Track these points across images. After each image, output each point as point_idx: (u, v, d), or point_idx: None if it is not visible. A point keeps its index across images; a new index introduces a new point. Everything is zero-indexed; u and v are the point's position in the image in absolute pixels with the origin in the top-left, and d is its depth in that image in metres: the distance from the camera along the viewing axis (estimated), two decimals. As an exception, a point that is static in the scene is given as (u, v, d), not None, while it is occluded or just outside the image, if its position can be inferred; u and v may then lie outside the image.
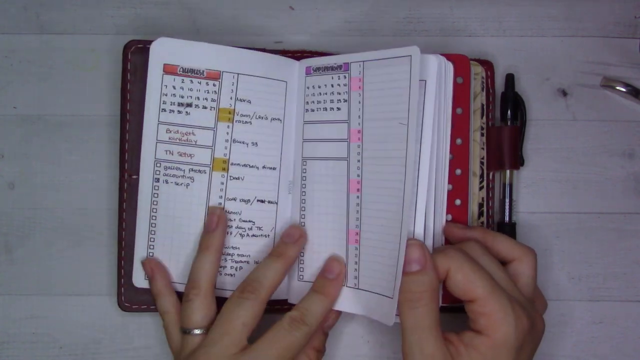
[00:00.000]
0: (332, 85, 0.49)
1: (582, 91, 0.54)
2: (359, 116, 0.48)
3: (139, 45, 0.50)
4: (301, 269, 0.49)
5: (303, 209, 0.50)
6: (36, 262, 0.53)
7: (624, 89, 0.52)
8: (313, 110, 0.50)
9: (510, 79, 0.52)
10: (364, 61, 0.48)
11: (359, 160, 0.48)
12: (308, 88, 0.50)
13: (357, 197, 0.48)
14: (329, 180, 0.49)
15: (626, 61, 0.54)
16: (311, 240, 0.49)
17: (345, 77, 0.49)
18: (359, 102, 0.48)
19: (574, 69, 0.54)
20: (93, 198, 0.53)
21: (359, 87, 0.48)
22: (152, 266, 0.49)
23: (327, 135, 0.49)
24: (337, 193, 0.49)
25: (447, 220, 0.48)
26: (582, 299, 0.52)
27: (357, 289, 0.47)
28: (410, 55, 0.46)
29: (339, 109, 0.49)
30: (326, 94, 0.49)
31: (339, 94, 0.49)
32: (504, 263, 0.45)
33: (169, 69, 0.49)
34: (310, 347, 0.46)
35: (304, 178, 0.50)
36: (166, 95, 0.49)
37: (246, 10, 0.55)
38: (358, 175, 0.48)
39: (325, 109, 0.49)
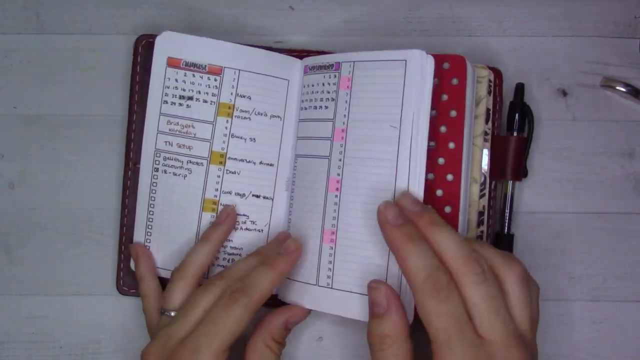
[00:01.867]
0: (323, 84, 0.49)
1: (582, 91, 0.54)
2: (345, 115, 0.48)
3: (150, 40, 0.51)
4: None
5: (291, 205, 0.50)
6: (36, 262, 0.53)
7: (624, 89, 0.52)
8: (306, 109, 0.50)
9: (520, 88, 0.52)
10: (354, 61, 0.48)
11: (340, 160, 0.48)
12: (304, 87, 0.50)
13: (336, 196, 0.47)
14: (311, 179, 0.49)
15: (626, 61, 0.54)
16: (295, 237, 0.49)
17: (335, 76, 0.49)
18: (346, 102, 0.48)
19: (574, 69, 0.54)
20: (93, 198, 0.53)
21: (347, 87, 0.48)
22: (138, 250, 0.50)
23: (315, 133, 0.49)
24: (317, 191, 0.49)
25: None
26: (582, 299, 0.52)
27: (331, 288, 0.47)
28: (405, 60, 0.46)
29: (326, 107, 0.49)
30: (317, 92, 0.50)
31: (328, 92, 0.49)
32: None
33: (172, 62, 0.49)
34: (269, 336, 0.46)
35: (294, 175, 0.50)
36: (168, 87, 0.49)
37: (246, 10, 0.55)
38: (338, 175, 0.48)
39: (316, 107, 0.50)
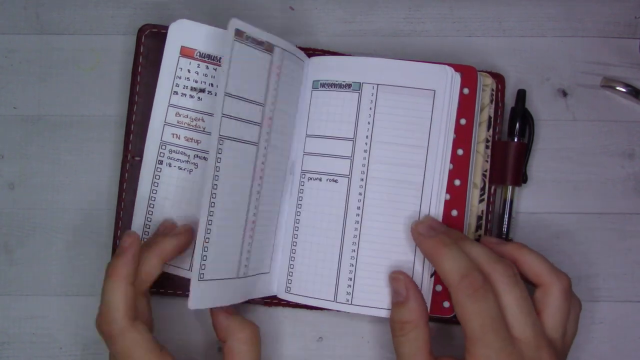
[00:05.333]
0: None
1: (582, 91, 0.54)
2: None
3: (154, 30, 0.51)
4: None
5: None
6: (36, 262, 0.53)
7: (624, 89, 0.52)
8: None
9: (521, 94, 0.52)
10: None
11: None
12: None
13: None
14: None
15: (626, 61, 0.54)
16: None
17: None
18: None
19: (574, 69, 0.54)
20: (93, 198, 0.53)
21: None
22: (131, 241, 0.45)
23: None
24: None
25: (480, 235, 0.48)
26: (582, 299, 0.52)
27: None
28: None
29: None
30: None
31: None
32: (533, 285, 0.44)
33: (185, 52, 0.49)
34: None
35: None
36: (180, 78, 0.49)
37: (246, 11, 0.55)
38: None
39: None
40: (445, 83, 0.47)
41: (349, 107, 0.49)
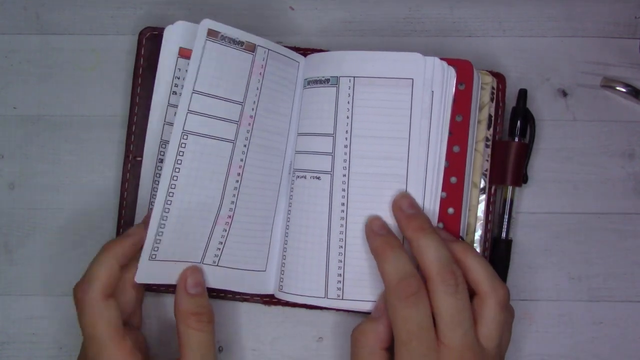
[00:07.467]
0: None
1: (582, 91, 0.54)
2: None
3: (154, 32, 0.51)
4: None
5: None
6: (36, 262, 0.53)
7: (624, 89, 0.52)
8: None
9: (522, 94, 0.51)
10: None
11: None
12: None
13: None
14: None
15: (626, 61, 0.54)
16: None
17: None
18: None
19: (574, 69, 0.54)
20: (93, 198, 0.53)
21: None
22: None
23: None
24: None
25: (437, 228, 0.47)
26: (582, 299, 0.52)
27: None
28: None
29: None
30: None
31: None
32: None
33: (184, 53, 0.49)
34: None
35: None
36: (178, 78, 0.49)
37: (246, 11, 0.55)
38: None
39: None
40: (424, 71, 0.46)
41: (328, 102, 0.48)
